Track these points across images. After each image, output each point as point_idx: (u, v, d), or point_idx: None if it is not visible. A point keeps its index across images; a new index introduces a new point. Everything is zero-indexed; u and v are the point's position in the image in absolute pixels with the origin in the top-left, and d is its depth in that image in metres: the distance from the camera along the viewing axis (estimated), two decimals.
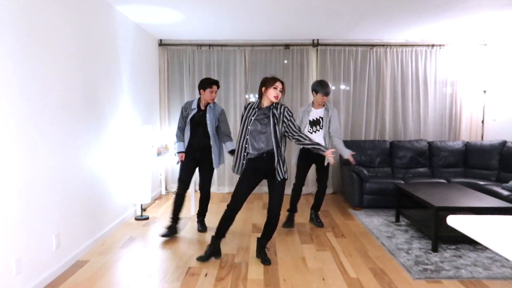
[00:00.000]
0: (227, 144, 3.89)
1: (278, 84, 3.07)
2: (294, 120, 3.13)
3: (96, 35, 3.67)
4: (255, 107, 3.18)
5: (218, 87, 3.84)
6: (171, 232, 3.81)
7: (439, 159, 5.47)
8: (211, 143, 3.83)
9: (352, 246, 3.61)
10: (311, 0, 3.90)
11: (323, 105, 4.07)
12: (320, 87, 3.98)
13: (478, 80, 5.84)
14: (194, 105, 3.86)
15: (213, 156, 3.86)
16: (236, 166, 3.18)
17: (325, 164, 4.11)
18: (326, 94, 3.99)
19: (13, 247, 2.44)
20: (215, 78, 5.93)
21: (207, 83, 3.76)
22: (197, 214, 4.11)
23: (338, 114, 4.83)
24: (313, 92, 4.06)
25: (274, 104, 3.13)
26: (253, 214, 4.78)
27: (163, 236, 3.78)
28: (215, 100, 4.02)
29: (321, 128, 4.06)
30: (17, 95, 2.47)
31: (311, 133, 4.09)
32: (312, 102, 4.12)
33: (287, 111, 3.12)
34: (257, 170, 3.12)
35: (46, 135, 2.79)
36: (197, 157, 3.87)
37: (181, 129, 3.93)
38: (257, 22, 4.79)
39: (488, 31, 5.20)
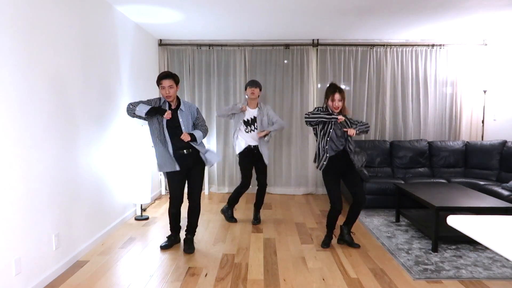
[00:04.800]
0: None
1: (337, 96, 3.34)
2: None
3: (96, 35, 3.66)
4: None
5: (175, 81, 3.26)
6: (172, 243, 3.61)
7: (439, 159, 5.47)
8: (193, 144, 3.36)
9: (352, 246, 3.61)
10: (311, 0, 3.90)
11: (257, 105, 4.23)
12: (248, 84, 4.23)
13: (478, 80, 5.83)
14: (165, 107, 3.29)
15: (202, 156, 3.41)
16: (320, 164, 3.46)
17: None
18: (251, 86, 4.15)
19: (13, 247, 2.44)
20: (215, 78, 5.93)
21: (157, 79, 3.28)
22: (185, 230, 3.55)
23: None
24: (244, 89, 4.30)
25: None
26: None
27: (164, 247, 3.54)
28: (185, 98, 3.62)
29: (256, 128, 4.17)
30: (17, 95, 2.47)
31: (247, 132, 4.19)
32: (247, 102, 4.25)
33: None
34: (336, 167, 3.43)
35: (46, 135, 2.79)
36: (184, 166, 3.34)
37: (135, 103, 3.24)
38: (257, 22, 4.79)
39: (488, 31, 5.20)
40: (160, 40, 5.86)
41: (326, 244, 3.60)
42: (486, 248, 3.54)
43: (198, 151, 3.39)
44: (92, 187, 3.57)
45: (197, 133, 3.35)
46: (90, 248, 3.50)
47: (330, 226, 3.59)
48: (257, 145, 4.17)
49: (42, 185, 2.74)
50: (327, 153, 3.37)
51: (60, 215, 2.99)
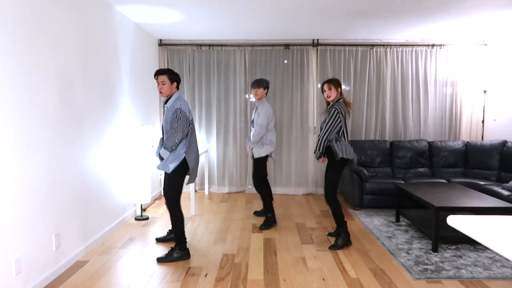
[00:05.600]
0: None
1: (325, 86, 3.56)
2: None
3: (96, 35, 3.67)
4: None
5: (169, 78, 3.24)
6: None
7: (439, 159, 5.47)
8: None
9: (352, 246, 3.61)
10: (311, 0, 3.90)
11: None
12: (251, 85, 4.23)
13: (478, 80, 5.83)
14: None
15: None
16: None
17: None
18: (253, 87, 4.15)
19: (13, 247, 2.44)
20: (215, 78, 5.93)
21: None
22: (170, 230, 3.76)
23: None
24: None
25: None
26: (253, 214, 4.77)
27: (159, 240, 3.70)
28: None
29: (253, 127, 4.24)
30: (17, 95, 2.47)
31: (251, 131, 4.32)
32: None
33: None
34: None
35: (45, 135, 2.79)
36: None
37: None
38: (257, 22, 4.79)
39: (488, 31, 5.20)
40: (160, 40, 5.86)
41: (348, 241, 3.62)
42: (486, 248, 3.54)
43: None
44: (92, 187, 3.57)
45: (164, 154, 3.23)
46: (90, 248, 3.50)
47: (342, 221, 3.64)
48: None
49: (42, 185, 2.74)
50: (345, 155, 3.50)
51: (60, 215, 2.99)
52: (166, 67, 5.86)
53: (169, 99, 3.27)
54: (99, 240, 3.69)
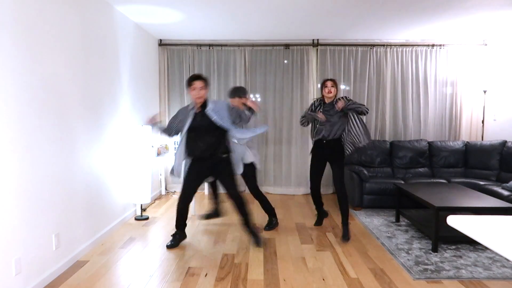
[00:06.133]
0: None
1: (329, 83, 3.84)
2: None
3: (96, 35, 3.67)
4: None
5: (206, 82, 3.40)
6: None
7: (439, 159, 5.47)
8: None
9: (352, 246, 3.61)
10: (311, 0, 3.90)
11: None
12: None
13: (478, 80, 5.83)
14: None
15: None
16: None
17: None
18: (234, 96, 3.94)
19: (13, 247, 2.44)
20: (215, 78, 5.94)
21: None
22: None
23: None
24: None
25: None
26: (253, 214, 4.77)
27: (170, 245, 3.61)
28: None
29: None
30: (17, 95, 2.47)
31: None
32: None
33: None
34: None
35: (45, 135, 2.79)
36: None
37: None
38: (257, 22, 4.79)
39: (488, 31, 5.20)
40: (160, 40, 5.86)
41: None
42: (486, 248, 3.54)
43: None
44: (92, 187, 3.57)
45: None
46: (90, 248, 3.50)
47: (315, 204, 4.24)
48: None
49: (42, 185, 2.74)
50: (313, 138, 3.97)
51: (60, 215, 2.99)
52: (166, 67, 5.90)
53: (204, 103, 3.40)
54: (99, 240, 3.69)
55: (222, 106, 3.43)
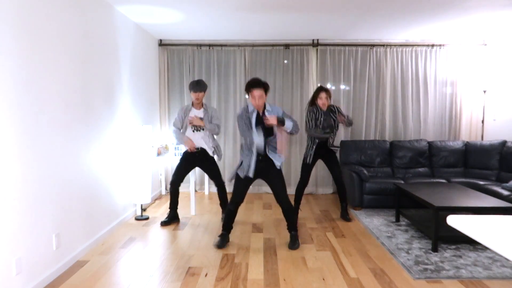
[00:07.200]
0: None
1: (323, 94, 4.25)
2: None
3: (96, 35, 3.67)
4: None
5: (266, 89, 3.60)
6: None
7: (439, 159, 5.47)
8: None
9: (352, 246, 3.62)
10: (311, 0, 3.90)
11: (202, 105, 4.27)
12: (191, 85, 4.17)
13: (478, 80, 5.84)
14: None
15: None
16: None
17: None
18: (195, 91, 4.14)
19: (13, 247, 2.44)
20: (215, 78, 5.94)
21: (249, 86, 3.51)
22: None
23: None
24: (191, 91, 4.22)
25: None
26: (253, 214, 4.78)
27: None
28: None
29: (202, 129, 4.23)
30: (17, 95, 2.47)
31: (193, 131, 4.26)
32: (192, 102, 4.27)
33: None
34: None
35: (46, 135, 2.79)
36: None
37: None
38: (257, 22, 4.79)
39: (488, 31, 5.20)
40: (160, 40, 5.86)
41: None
42: (486, 248, 3.54)
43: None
44: (92, 187, 3.57)
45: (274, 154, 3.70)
46: (90, 248, 3.50)
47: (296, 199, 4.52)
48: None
49: (42, 185, 2.75)
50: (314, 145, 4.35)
51: (60, 215, 3.00)
52: (166, 67, 5.90)
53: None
54: (100, 240, 3.69)
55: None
